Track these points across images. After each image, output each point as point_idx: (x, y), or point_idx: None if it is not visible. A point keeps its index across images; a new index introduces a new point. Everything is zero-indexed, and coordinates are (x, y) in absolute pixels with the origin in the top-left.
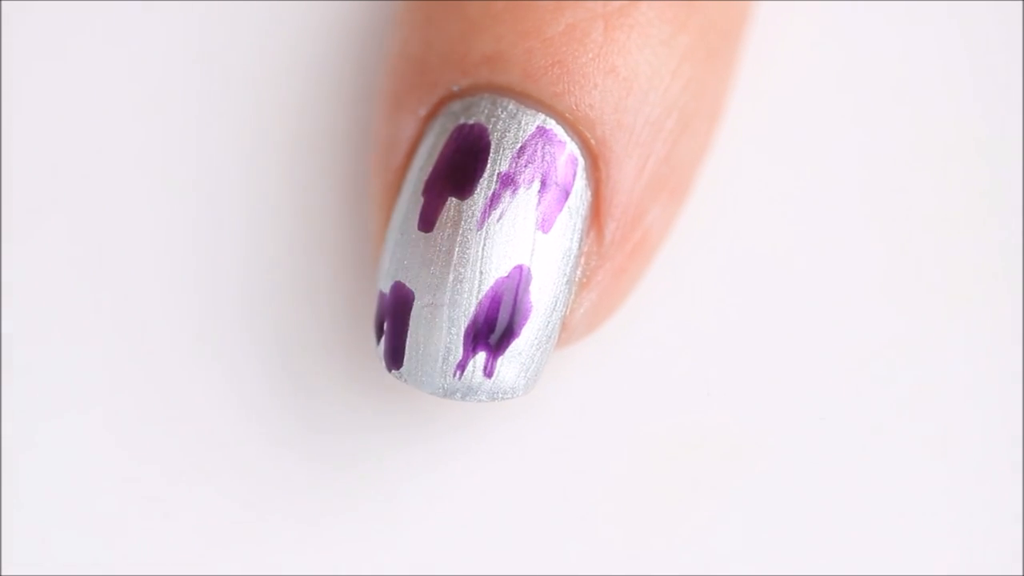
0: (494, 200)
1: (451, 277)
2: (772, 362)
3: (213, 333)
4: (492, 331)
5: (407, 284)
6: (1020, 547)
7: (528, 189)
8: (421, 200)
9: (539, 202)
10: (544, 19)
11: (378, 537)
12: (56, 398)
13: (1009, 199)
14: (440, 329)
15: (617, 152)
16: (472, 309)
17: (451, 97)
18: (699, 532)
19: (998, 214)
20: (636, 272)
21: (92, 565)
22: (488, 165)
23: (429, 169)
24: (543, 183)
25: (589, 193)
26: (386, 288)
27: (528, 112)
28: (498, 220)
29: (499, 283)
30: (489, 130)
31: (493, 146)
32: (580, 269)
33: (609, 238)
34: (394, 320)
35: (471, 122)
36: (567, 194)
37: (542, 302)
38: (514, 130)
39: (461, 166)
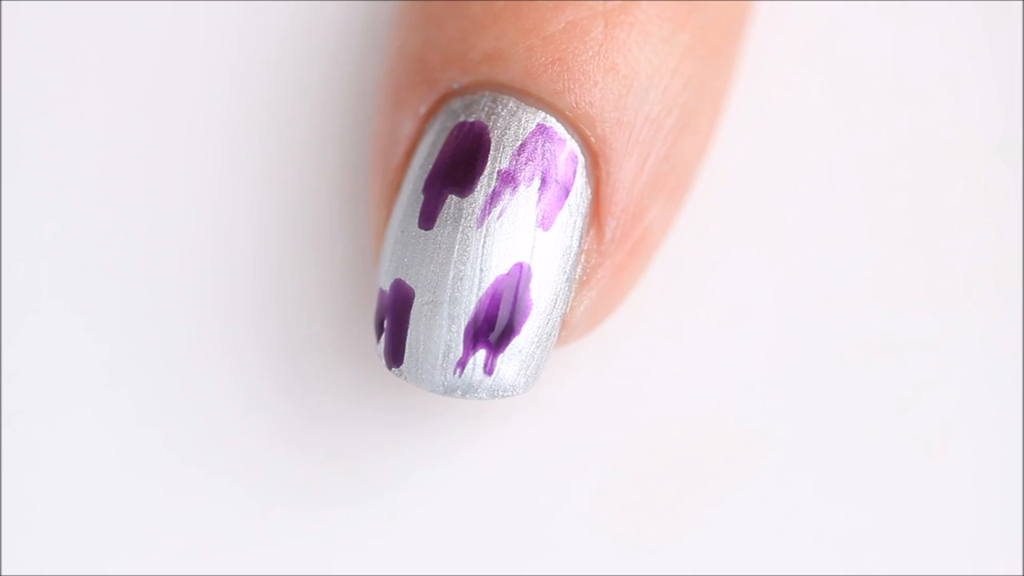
0: (494, 198)
1: (451, 275)
2: (772, 361)
3: (213, 331)
4: (492, 329)
5: (407, 282)
6: (1020, 547)
7: (528, 187)
8: (421, 198)
9: (539, 200)
10: (544, 17)
11: (379, 534)
12: (56, 397)
13: (1010, 199)
14: (440, 327)
15: (617, 150)
16: (472, 307)
17: (451, 95)
18: (699, 531)
19: (999, 214)
20: (636, 270)
21: (92, 565)
22: (488, 163)
23: (429, 167)
24: (543, 181)
25: (589, 191)
26: (386, 286)
27: (528, 110)
28: (498, 218)
29: (499, 280)
30: (489, 128)
31: (493, 144)
32: (580, 267)
33: (609, 236)
34: (394, 318)
35: (471, 120)
36: (567, 192)
37: (542, 300)
38: (514, 128)
39: (461, 164)
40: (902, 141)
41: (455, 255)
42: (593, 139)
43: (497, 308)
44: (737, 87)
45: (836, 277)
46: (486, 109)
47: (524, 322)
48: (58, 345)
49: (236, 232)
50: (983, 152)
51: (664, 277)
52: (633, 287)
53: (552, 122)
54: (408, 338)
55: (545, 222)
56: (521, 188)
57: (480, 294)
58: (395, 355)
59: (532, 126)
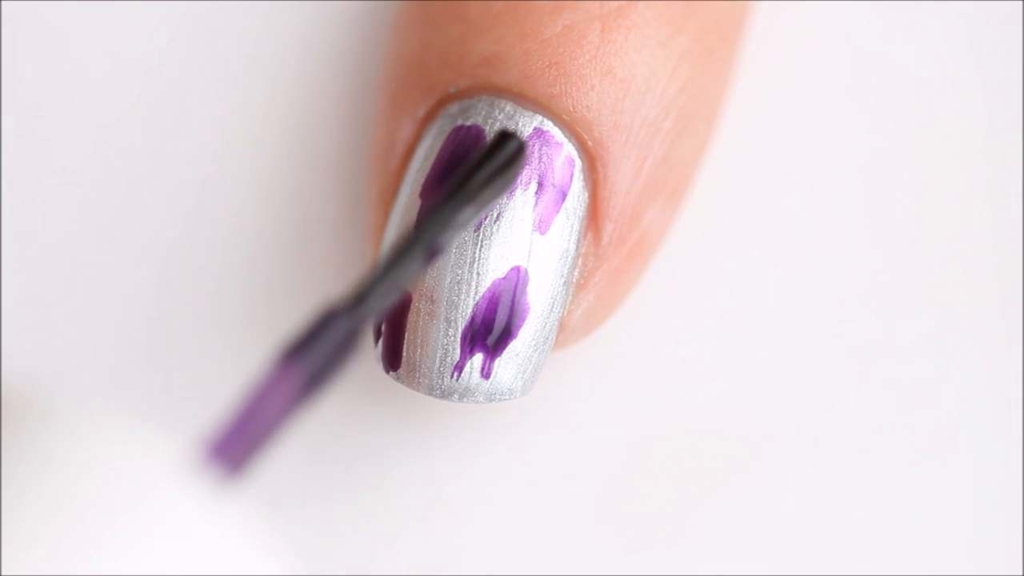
0: None
1: (448, 279)
2: (771, 363)
3: (210, 335)
4: (489, 332)
5: None
6: (1020, 547)
7: (525, 190)
8: (419, 202)
9: (536, 203)
10: (542, 20)
11: (376, 538)
12: (56, 397)
13: (1010, 199)
14: (437, 331)
15: (614, 153)
16: (469, 311)
17: (449, 99)
18: (698, 533)
19: (999, 215)
20: (634, 273)
21: (92, 565)
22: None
23: (426, 171)
24: (540, 184)
25: (586, 194)
26: None
27: (525, 113)
28: (495, 222)
29: (496, 284)
30: (486, 132)
31: None
32: (577, 270)
33: (606, 239)
34: (392, 321)
35: (468, 124)
36: (564, 195)
37: (539, 303)
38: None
39: (458, 168)
40: (901, 142)
41: (452, 259)
42: (590, 142)
43: (494, 312)
44: (735, 90)
45: (835, 278)
46: (483, 113)
47: (521, 326)
48: (58, 345)
49: (234, 235)
50: (983, 153)
51: (662, 280)
52: (631, 290)
53: (549, 126)
54: (405, 342)
55: (542, 226)
56: (518, 192)
57: (477, 298)
58: (392, 359)
59: (529, 130)
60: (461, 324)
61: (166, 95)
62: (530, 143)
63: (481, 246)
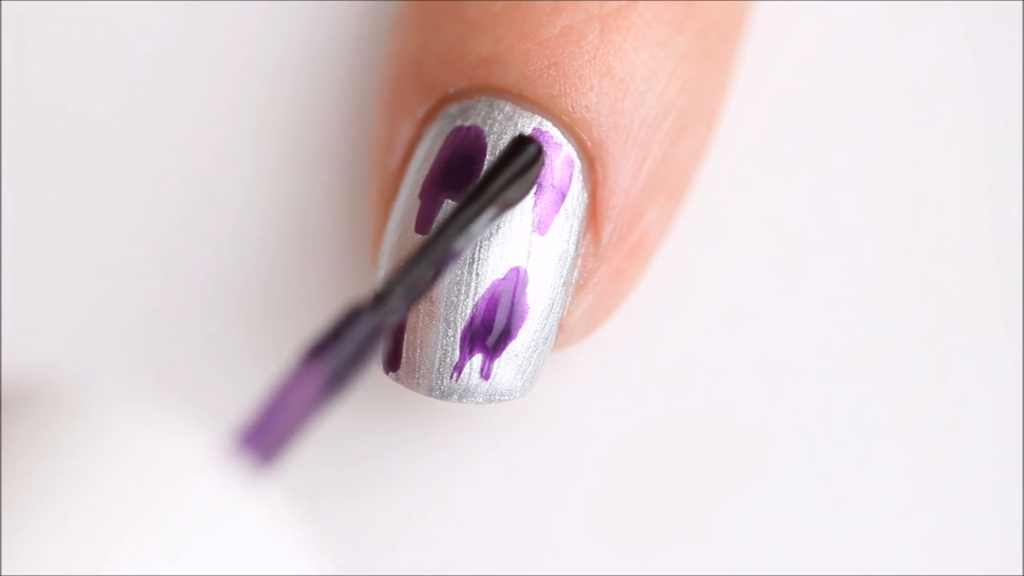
0: None
1: (447, 279)
2: (771, 364)
3: (210, 336)
4: (489, 333)
5: None
6: (1020, 547)
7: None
8: (418, 202)
9: (535, 204)
10: (541, 21)
11: (376, 538)
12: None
13: (1010, 200)
14: (437, 331)
15: (614, 154)
16: (468, 311)
17: (448, 99)
18: (698, 533)
19: (999, 215)
20: (634, 274)
21: (92, 565)
22: (484, 167)
23: (426, 171)
24: (539, 185)
25: (586, 195)
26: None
27: (524, 114)
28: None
29: (496, 285)
30: (485, 132)
31: (489, 148)
32: (577, 271)
33: (606, 240)
34: None
35: (467, 124)
36: (563, 196)
37: (539, 304)
38: (511, 132)
39: (458, 168)
40: (901, 142)
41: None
42: (589, 143)
43: (494, 313)
44: (735, 90)
45: (835, 278)
46: (482, 113)
47: (520, 326)
48: (58, 345)
49: (234, 236)
50: (983, 153)
51: (662, 280)
52: (631, 291)
53: (548, 126)
54: (405, 342)
55: (541, 226)
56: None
57: (476, 299)
58: (392, 359)
59: (528, 130)
60: (460, 325)
61: (165, 95)
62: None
63: (480, 247)
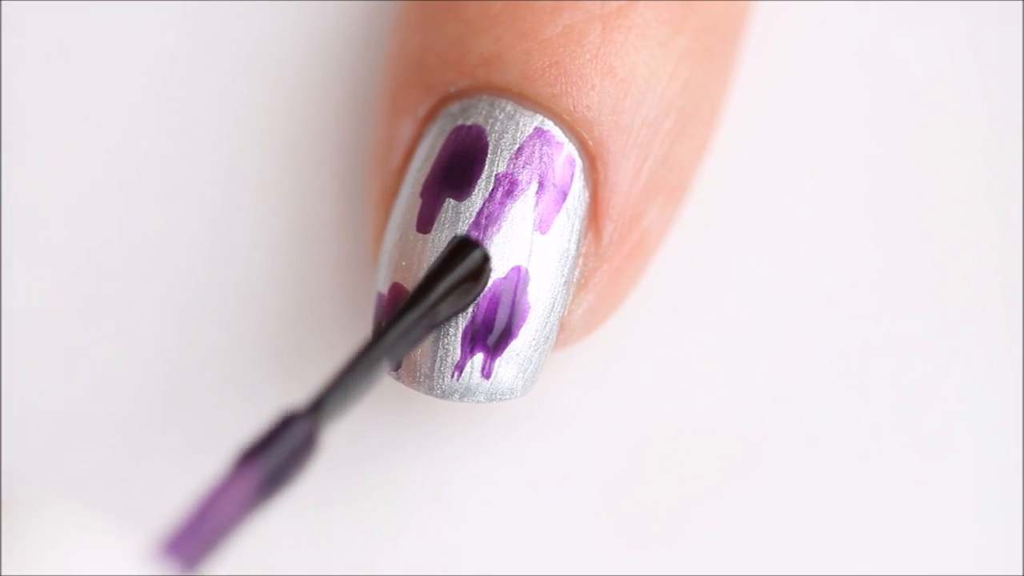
0: (491, 201)
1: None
2: (770, 363)
3: (210, 335)
4: (490, 332)
5: (406, 285)
6: (1020, 547)
7: (526, 190)
8: (419, 201)
9: (537, 203)
10: (542, 20)
11: (377, 537)
12: (57, 397)
13: (1010, 200)
14: (438, 330)
15: (615, 153)
16: (470, 310)
17: (449, 98)
18: (698, 533)
19: (999, 215)
20: (634, 273)
21: (92, 565)
22: (486, 166)
23: (427, 170)
24: (541, 184)
25: (587, 194)
26: (385, 289)
27: (526, 113)
28: (496, 221)
29: (497, 284)
30: (487, 131)
31: (491, 147)
32: (578, 270)
33: (607, 239)
34: None
35: (469, 123)
36: (565, 195)
37: (540, 303)
38: (512, 131)
39: (459, 167)
40: (900, 142)
41: None
42: (591, 142)
43: (495, 312)
44: (735, 90)
45: (835, 278)
46: (484, 112)
47: (522, 326)
48: (59, 345)
49: (234, 236)
50: (984, 152)
51: (662, 280)
52: (631, 290)
53: (549, 125)
54: None
55: (543, 225)
56: (519, 191)
57: (478, 297)
58: None
59: (530, 129)
60: (462, 324)
61: (165, 96)
62: (531, 143)
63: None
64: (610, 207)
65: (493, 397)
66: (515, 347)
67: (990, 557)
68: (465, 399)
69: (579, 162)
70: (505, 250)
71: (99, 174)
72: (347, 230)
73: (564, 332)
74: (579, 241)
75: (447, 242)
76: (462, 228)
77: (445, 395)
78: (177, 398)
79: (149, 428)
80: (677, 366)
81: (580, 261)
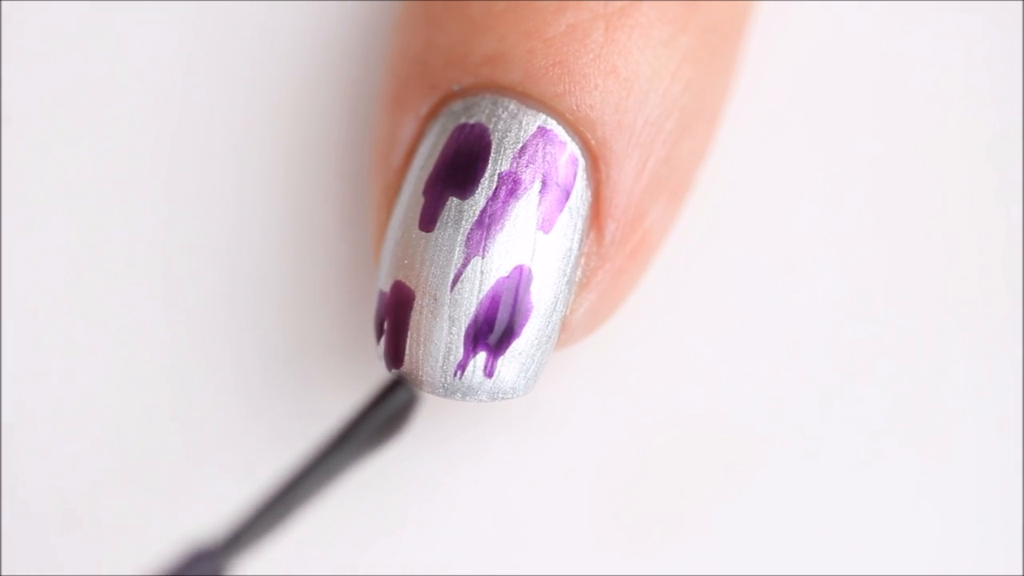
0: (495, 199)
1: (452, 276)
2: (771, 363)
3: (212, 332)
4: (492, 331)
5: (408, 283)
6: (1020, 547)
7: (529, 189)
8: (422, 199)
9: (540, 202)
10: (546, 20)
11: (377, 537)
12: (58, 397)
13: (1012, 200)
14: (441, 328)
15: (617, 153)
16: (473, 309)
17: (452, 97)
18: (698, 532)
19: (1000, 216)
20: (636, 273)
21: (92, 565)
22: (489, 165)
23: (430, 168)
24: (544, 183)
25: (589, 194)
26: (386, 287)
27: (529, 112)
28: (499, 220)
29: (500, 283)
30: (490, 130)
31: (494, 146)
32: (580, 269)
33: (609, 239)
34: (394, 319)
35: (472, 122)
36: (568, 194)
37: (542, 302)
38: (515, 130)
39: (462, 166)
40: (902, 143)
41: (456, 257)
42: (593, 142)
43: (497, 310)
44: (737, 90)
45: (836, 278)
46: (487, 111)
47: (524, 324)
48: (60, 345)
49: (235, 233)
50: (986, 154)
51: (663, 280)
52: (633, 290)
53: (553, 125)
54: (408, 340)
55: (546, 224)
56: (522, 190)
57: (481, 296)
58: (395, 357)
59: (533, 128)
60: (465, 322)
61: (166, 95)
62: (534, 142)
63: (485, 244)
64: (612, 207)
65: (495, 396)
66: (517, 346)
67: (990, 557)
68: (467, 398)
69: (582, 161)
70: (508, 249)
71: (100, 173)
72: (347, 227)
73: (566, 331)
74: (581, 240)
75: (450, 240)
76: (465, 227)
77: (448, 394)
78: (178, 397)
79: (150, 428)
80: (676, 366)
81: (582, 260)
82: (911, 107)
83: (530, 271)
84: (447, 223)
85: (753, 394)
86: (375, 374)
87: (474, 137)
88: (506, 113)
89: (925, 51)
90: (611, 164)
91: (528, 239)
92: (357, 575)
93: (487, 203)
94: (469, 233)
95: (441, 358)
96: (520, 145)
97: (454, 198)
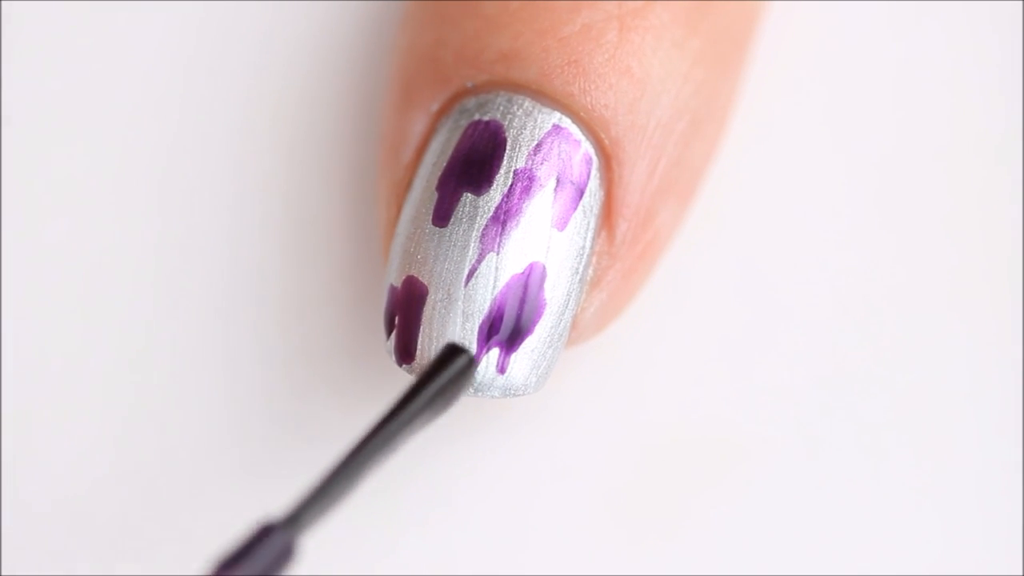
0: (511, 196)
1: (466, 272)
2: (777, 364)
3: (214, 332)
4: (506, 327)
5: (420, 278)
6: (1020, 547)
7: (544, 186)
8: (435, 195)
9: (554, 200)
10: (561, 18)
11: (380, 536)
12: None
13: (1012, 200)
14: (454, 324)
15: (630, 152)
16: (487, 305)
17: (464, 93)
18: (702, 533)
19: (1002, 216)
20: (645, 273)
21: (92, 565)
22: (504, 161)
23: (443, 164)
24: (559, 181)
25: (602, 193)
26: (397, 282)
27: (544, 110)
28: (514, 216)
29: (514, 279)
30: (505, 127)
31: (510, 143)
32: (591, 269)
33: (620, 238)
34: (406, 315)
35: (486, 119)
36: (581, 193)
37: (555, 299)
38: (530, 127)
39: (477, 162)
40: (908, 145)
41: (471, 252)
42: (607, 141)
43: (511, 307)
44: (744, 93)
45: (842, 281)
46: (501, 108)
47: (538, 321)
48: (60, 345)
49: (239, 230)
50: (991, 155)
51: (667, 280)
52: (640, 290)
53: (567, 123)
54: (420, 335)
55: (560, 222)
56: (537, 187)
57: (495, 292)
58: (406, 352)
59: (548, 126)
60: (478, 318)
61: (171, 92)
62: (549, 140)
63: (500, 240)
64: (624, 206)
65: (507, 392)
66: (530, 343)
67: (990, 557)
68: (479, 394)
69: (595, 160)
70: (523, 245)
71: (101, 173)
72: (355, 224)
73: (575, 330)
74: (593, 240)
75: (464, 236)
76: (480, 222)
77: None
78: (180, 396)
79: (150, 428)
80: (681, 367)
81: (594, 260)
82: (919, 109)
83: (544, 268)
84: (462, 219)
85: (757, 395)
86: (381, 371)
87: (489, 134)
88: (521, 111)
89: (933, 53)
90: (624, 164)
91: (543, 236)
92: (361, 575)
93: (502, 199)
94: (484, 229)
95: None
96: (536, 142)
97: (468, 194)
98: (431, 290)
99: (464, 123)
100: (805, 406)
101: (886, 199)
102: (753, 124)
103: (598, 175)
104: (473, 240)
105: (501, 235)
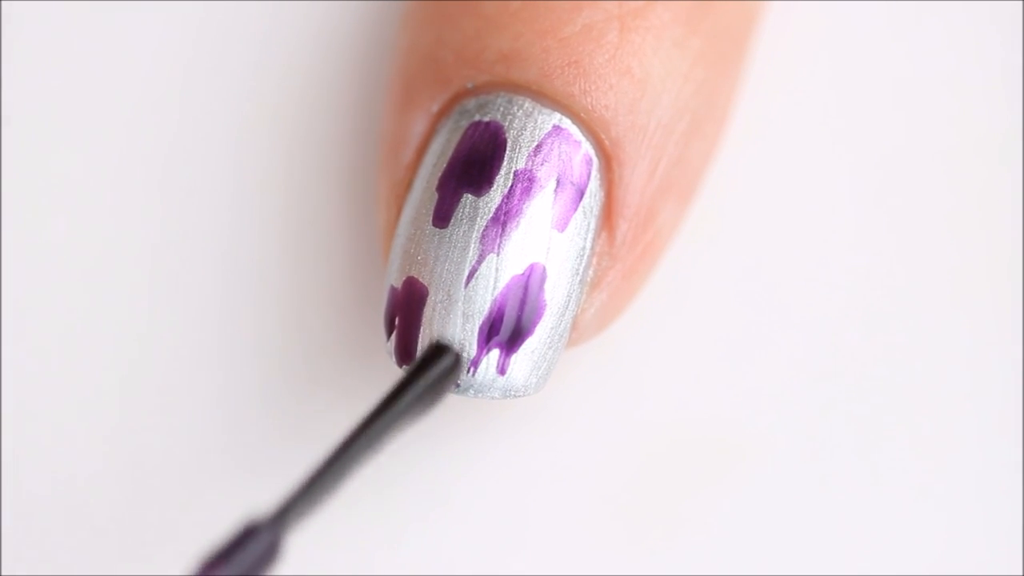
0: (511, 197)
1: (466, 273)
2: (776, 364)
3: (214, 332)
4: (506, 328)
5: (421, 279)
6: (1020, 547)
7: (544, 187)
8: (435, 196)
9: (555, 201)
10: (561, 19)
11: (380, 536)
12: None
13: (1012, 200)
14: (454, 325)
15: (631, 153)
16: (487, 306)
17: (464, 94)
18: (701, 534)
19: (1005, 216)
20: (645, 273)
21: (93, 565)
22: (505, 162)
23: (443, 165)
24: (559, 182)
25: (602, 193)
26: (398, 283)
27: (544, 111)
28: (515, 217)
29: (514, 280)
30: (505, 128)
31: (510, 144)
32: (592, 269)
33: (620, 239)
34: (406, 316)
35: (486, 119)
36: (582, 194)
37: (556, 300)
38: (530, 128)
39: (477, 163)
40: (908, 145)
41: (471, 253)
42: (607, 142)
43: (512, 308)
44: (744, 92)
45: (842, 281)
46: (501, 109)
47: (538, 322)
48: (60, 345)
49: (238, 231)
50: (990, 155)
51: (667, 281)
52: (641, 290)
53: (567, 124)
54: (421, 336)
55: (560, 223)
56: (537, 188)
57: (495, 293)
58: (406, 353)
59: (548, 127)
60: (479, 319)
61: (171, 93)
62: (549, 141)
63: (500, 241)
64: (624, 207)
65: (508, 394)
66: (530, 344)
67: (990, 557)
68: (480, 395)
69: (595, 161)
70: (523, 247)
71: (102, 171)
72: (354, 225)
73: (576, 331)
74: (594, 240)
75: (464, 237)
76: (481, 224)
77: (460, 391)
78: (181, 396)
79: (150, 428)
80: (681, 367)
81: (594, 260)
82: (919, 109)
83: (544, 269)
84: (462, 220)
85: (757, 395)
86: (381, 371)
87: (489, 134)
88: (521, 111)
89: (933, 52)
90: (624, 164)
91: (543, 237)
92: (361, 574)
93: (503, 200)
94: (484, 230)
95: None
96: (536, 143)
97: (469, 195)
98: (431, 291)
99: (464, 124)
100: (805, 406)
101: (886, 199)
102: (753, 124)
103: (598, 176)
104: (473, 241)
105: (501, 236)
